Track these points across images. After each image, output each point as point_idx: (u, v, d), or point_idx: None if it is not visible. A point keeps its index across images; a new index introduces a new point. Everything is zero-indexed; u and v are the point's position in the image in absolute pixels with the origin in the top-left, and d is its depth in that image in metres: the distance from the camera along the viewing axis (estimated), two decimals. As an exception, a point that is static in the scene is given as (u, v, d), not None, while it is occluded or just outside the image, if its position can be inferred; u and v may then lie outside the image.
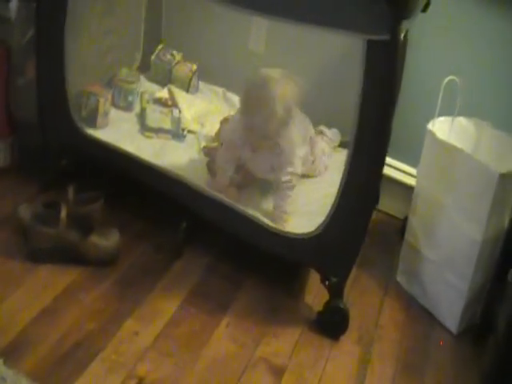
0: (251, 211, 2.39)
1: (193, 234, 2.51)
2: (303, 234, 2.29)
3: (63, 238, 2.31)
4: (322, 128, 2.88)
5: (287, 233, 2.34)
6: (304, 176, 2.69)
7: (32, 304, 2.17)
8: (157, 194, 2.48)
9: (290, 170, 2.42)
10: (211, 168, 2.59)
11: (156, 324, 2.21)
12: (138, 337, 2.15)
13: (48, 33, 2.48)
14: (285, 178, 2.43)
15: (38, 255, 2.33)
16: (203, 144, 2.77)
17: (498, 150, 2.54)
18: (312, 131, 2.70)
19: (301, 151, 2.50)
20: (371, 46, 1.96)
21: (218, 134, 2.73)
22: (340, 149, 2.87)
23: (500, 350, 2.08)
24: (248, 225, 2.36)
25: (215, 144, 2.70)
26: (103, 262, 2.38)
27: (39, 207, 2.36)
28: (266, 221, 2.36)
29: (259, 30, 3.09)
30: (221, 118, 2.85)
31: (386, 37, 1.93)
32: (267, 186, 2.57)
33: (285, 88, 2.28)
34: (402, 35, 2.20)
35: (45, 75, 2.57)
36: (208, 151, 2.70)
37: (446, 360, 2.37)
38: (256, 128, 2.33)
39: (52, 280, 2.28)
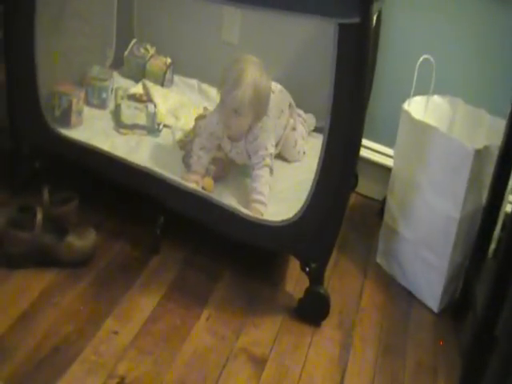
0: (227, 202, 2.39)
1: (168, 229, 2.50)
2: (281, 222, 2.29)
3: (39, 242, 2.30)
4: (298, 111, 2.88)
5: (265, 221, 2.33)
6: (284, 159, 2.75)
7: (8, 310, 2.16)
8: (132, 190, 2.48)
9: (262, 153, 2.47)
10: (187, 162, 2.59)
11: (135, 322, 2.21)
12: (117, 336, 2.15)
13: (17, 34, 2.46)
14: (258, 161, 2.47)
15: (13, 260, 2.32)
16: (178, 137, 2.76)
17: (472, 126, 2.56)
18: (290, 99, 2.75)
19: (275, 130, 2.58)
20: (343, 30, 1.95)
21: (194, 130, 2.72)
22: (316, 134, 2.86)
23: (478, 326, 2.08)
24: (226, 216, 2.36)
25: (190, 138, 2.70)
26: (80, 263, 2.37)
27: (14, 212, 2.35)
28: (244, 210, 2.36)
29: (233, 21, 3.08)
30: (196, 110, 2.86)
31: (357, 19, 1.92)
32: (243, 176, 2.58)
33: (256, 70, 2.38)
34: (375, 16, 2.19)
35: (15, 77, 2.55)
36: (183, 145, 2.70)
37: (426, 339, 2.38)
38: (230, 106, 2.39)
39: (28, 284, 2.27)
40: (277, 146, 2.64)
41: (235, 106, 2.37)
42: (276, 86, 2.65)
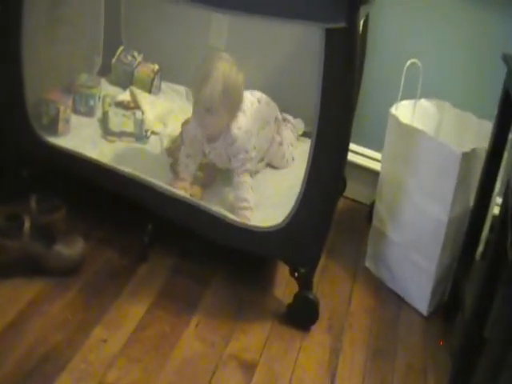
0: (216, 208, 2.38)
1: (157, 237, 2.50)
2: (270, 227, 2.29)
3: (27, 250, 2.29)
4: (286, 116, 2.88)
5: (253, 227, 2.33)
6: (273, 167, 2.73)
7: (-3, 319, 2.16)
8: (120, 198, 2.47)
9: (242, 156, 2.44)
10: (175, 169, 2.58)
11: (124, 330, 2.20)
12: (106, 344, 2.14)
13: (4, 40, 2.46)
14: (238, 164, 2.45)
15: (1, 269, 2.30)
16: (166, 146, 2.76)
17: (460, 130, 2.56)
18: (277, 113, 2.71)
19: (257, 138, 2.53)
20: (330, 35, 1.96)
21: (181, 136, 2.72)
22: (304, 138, 2.86)
23: (467, 328, 2.08)
24: (214, 222, 2.36)
25: (177, 144, 2.69)
26: (68, 271, 2.36)
27: (1, 220, 2.34)
28: (232, 216, 2.35)
29: (220, 26, 3.08)
30: (184, 117, 2.84)
31: (343, 24, 1.92)
32: (230, 181, 2.56)
33: (226, 65, 2.34)
34: (362, 21, 2.19)
35: (2, 85, 2.54)
36: (171, 152, 2.69)
37: (416, 342, 2.38)
38: (202, 105, 2.36)
39: (16, 293, 2.26)
40: (262, 160, 2.65)
41: (207, 104, 2.34)
42: (262, 97, 2.63)
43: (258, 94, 2.60)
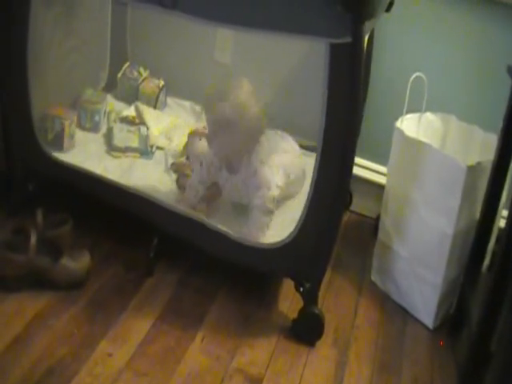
0: (221, 225, 2.36)
1: (162, 251, 2.50)
2: (274, 244, 2.28)
3: (33, 264, 2.29)
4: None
5: (258, 244, 2.33)
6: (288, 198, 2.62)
7: (3, 332, 2.14)
8: (126, 212, 2.47)
9: (264, 193, 2.36)
10: (181, 184, 2.58)
11: (130, 344, 2.19)
12: (112, 358, 2.13)
13: (10, 56, 2.46)
14: (258, 202, 2.37)
15: (8, 283, 2.30)
16: (171, 161, 2.76)
17: (465, 143, 2.56)
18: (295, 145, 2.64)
19: (281, 178, 2.42)
20: (334, 50, 1.96)
21: (186, 147, 2.71)
22: (309, 153, 2.83)
23: (473, 341, 2.08)
24: (219, 239, 2.34)
25: (183, 159, 2.69)
26: (74, 285, 2.36)
27: (7, 234, 2.33)
28: (236, 234, 2.34)
29: (224, 40, 3.09)
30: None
31: (348, 39, 1.92)
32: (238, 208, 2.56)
33: (247, 90, 2.29)
34: (367, 36, 2.20)
35: (8, 100, 2.55)
36: (177, 167, 2.69)
37: (422, 355, 2.37)
38: (216, 122, 2.30)
39: (22, 307, 2.25)
40: None
41: (221, 122, 2.25)
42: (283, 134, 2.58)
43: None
